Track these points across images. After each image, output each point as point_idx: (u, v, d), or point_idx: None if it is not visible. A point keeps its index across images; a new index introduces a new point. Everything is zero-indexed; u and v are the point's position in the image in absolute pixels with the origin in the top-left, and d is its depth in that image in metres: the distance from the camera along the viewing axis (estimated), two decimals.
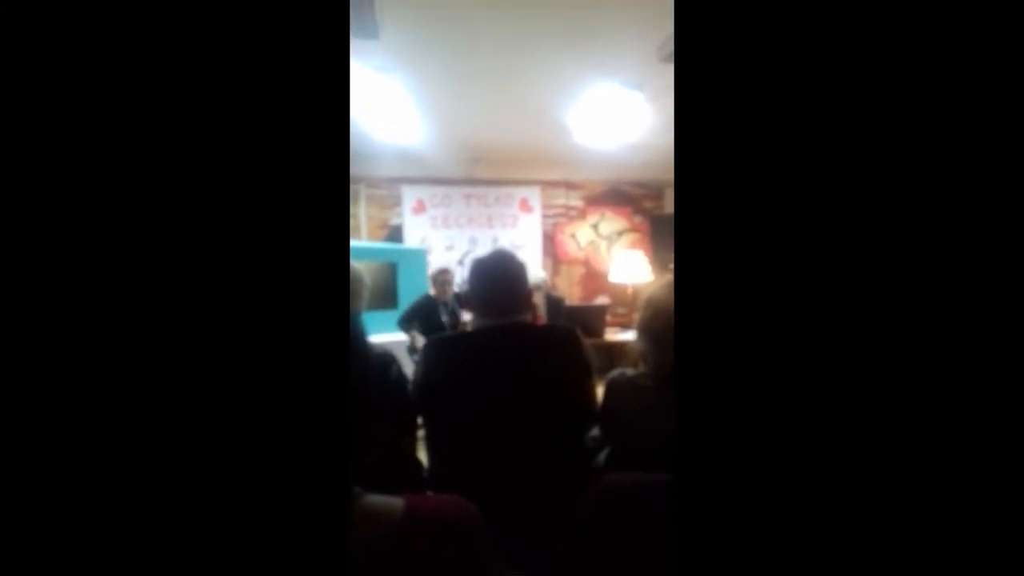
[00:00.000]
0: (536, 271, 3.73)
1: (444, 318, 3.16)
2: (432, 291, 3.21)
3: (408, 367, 1.49)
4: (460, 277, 4.21)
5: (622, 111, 2.92)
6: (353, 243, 3.39)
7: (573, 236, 4.57)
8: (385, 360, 1.04)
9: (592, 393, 1.15)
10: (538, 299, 3.48)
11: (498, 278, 1.14)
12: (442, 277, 3.20)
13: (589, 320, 3.13)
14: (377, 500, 0.45)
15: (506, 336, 1.10)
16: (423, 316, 3.12)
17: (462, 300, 3.13)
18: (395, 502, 0.45)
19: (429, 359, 1.08)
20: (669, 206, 4.63)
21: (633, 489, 0.52)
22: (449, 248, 4.35)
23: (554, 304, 3.45)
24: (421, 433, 1.13)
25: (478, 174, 4.34)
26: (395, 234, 4.27)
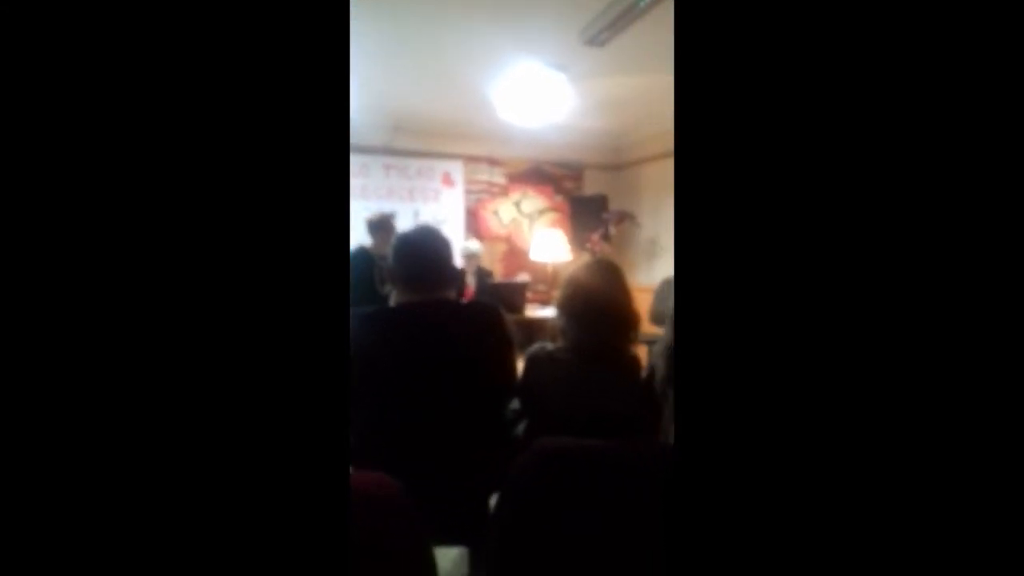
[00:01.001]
0: (472, 242, 3.75)
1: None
2: (370, 242, 2.80)
3: None
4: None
5: (545, 91, 2.94)
6: None
7: (496, 213, 4.58)
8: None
9: (513, 366, 1.19)
10: (472, 267, 3.51)
11: (423, 254, 1.13)
12: (387, 223, 2.84)
13: (511, 296, 3.19)
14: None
15: (430, 311, 1.10)
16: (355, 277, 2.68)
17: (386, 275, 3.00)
18: None
19: (354, 333, 1.06)
20: (589, 187, 4.78)
21: (564, 451, 0.55)
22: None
23: (482, 277, 3.48)
24: None
25: (399, 144, 4.19)
26: None
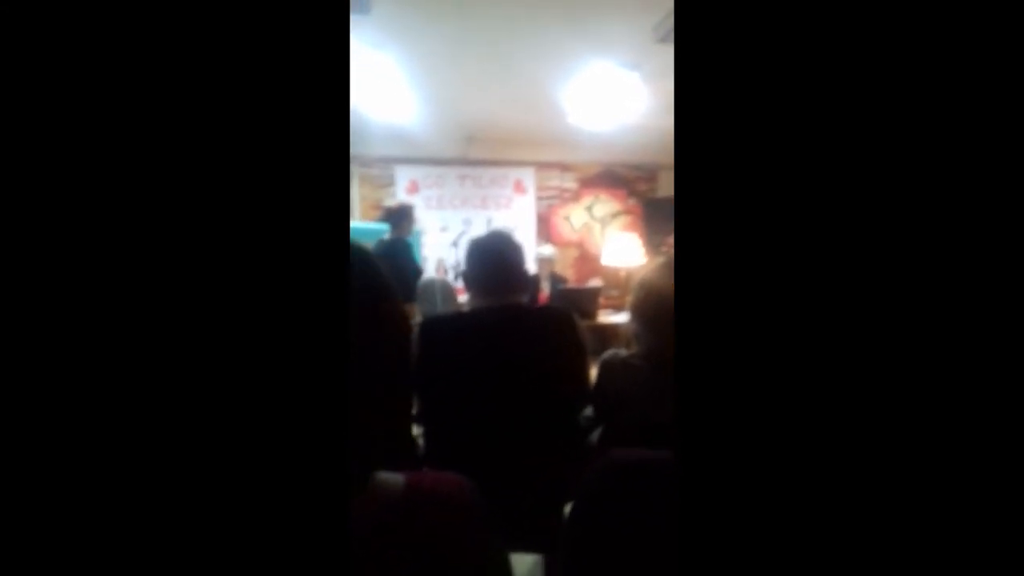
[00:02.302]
0: (546, 247, 3.78)
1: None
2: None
3: None
4: (454, 259, 4.21)
5: (617, 91, 2.89)
6: None
7: (567, 218, 4.56)
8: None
9: (586, 373, 1.17)
10: (545, 272, 3.53)
11: (495, 259, 1.14)
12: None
13: (583, 302, 3.15)
14: (377, 476, 0.45)
15: (502, 317, 1.11)
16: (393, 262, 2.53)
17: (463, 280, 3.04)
18: (395, 478, 0.45)
19: (425, 338, 1.09)
20: (663, 189, 4.63)
21: (637, 463, 0.53)
22: (443, 229, 4.33)
23: (555, 283, 3.49)
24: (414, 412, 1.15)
25: (472, 154, 4.30)
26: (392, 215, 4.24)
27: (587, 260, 4.55)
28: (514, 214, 4.44)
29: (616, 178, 4.59)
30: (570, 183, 4.54)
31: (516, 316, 1.12)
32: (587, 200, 4.57)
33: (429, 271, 4.17)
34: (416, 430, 1.13)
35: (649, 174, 4.62)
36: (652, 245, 4.21)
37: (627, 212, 4.63)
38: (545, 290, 3.41)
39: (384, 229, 3.17)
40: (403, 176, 4.27)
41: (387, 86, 2.85)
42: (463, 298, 1.28)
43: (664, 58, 2.50)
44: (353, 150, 3.98)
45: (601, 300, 3.45)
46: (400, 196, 4.26)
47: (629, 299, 1.10)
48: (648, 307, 1.03)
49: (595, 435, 1.19)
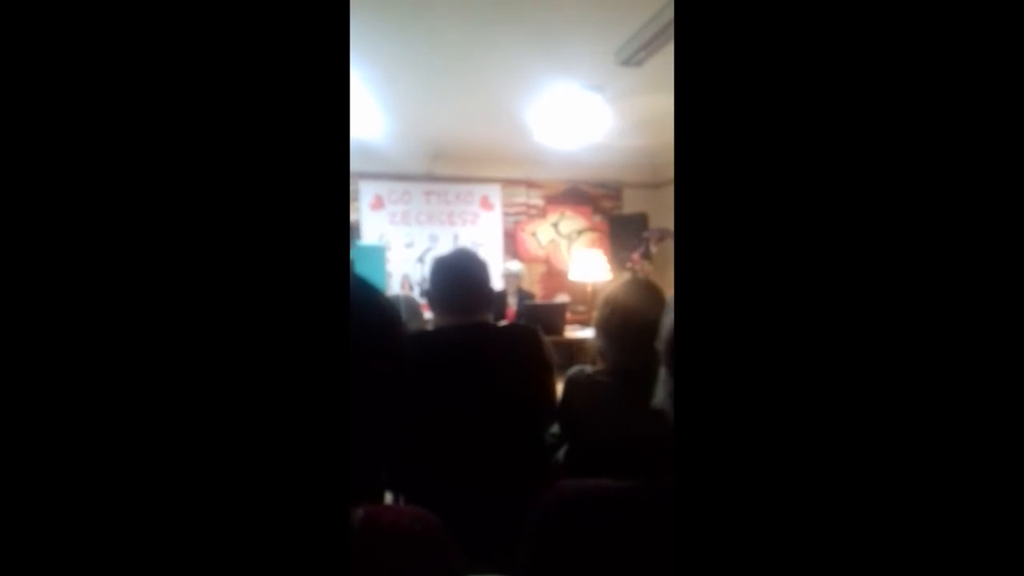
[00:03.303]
0: (513, 262, 3.79)
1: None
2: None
3: None
4: (420, 275, 4.17)
5: (581, 112, 2.96)
6: None
7: (534, 234, 4.60)
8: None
9: (552, 390, 1.17)
10: (512, 288, 3.53)
11: (460, 277, 1.14)
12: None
13: (549, 318, 3.17)
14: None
15: (467, 335, 1.10)
16: None
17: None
18: (354, 511, 0.44)
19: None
20: (628, 206, 4.74)
21: (585, 495, 0.53)
22: (409, 245, 4.29)
23: (521, 299, 3.49)
24: None
25: (438, 171, 4.30)
26: (352, 230, 4.18)
27: (554, 276, 4.59)
28: (481, 230, 4.45)
29: (581, 195, 4.67)
30: (536, 200, 4.59)
31: (481, 334, 1.12)
32: (553, 216, 4.63)
33: (394, 287, 4.11)
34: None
35: (614, 191, 4.73)
36: (618, 261, 4.28)
37: (593, 229, 4.71)
38: (512, 305, 3.42)
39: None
40: (367, 191, 4.22)
41: (352, 102, 2.83)
42: (429, 315, 1.27)
43: (626, 80, 2.58)
44: None
45: (568, 315, 3.48)
46: (364, 211, 4.21)
47: (595, 315, 1.11)
48: (614, 323, 1.04)
49: (561, 452, 1.19)
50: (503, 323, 2.10)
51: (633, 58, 2.27)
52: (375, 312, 0.47)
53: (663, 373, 0.53)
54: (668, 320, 0.52)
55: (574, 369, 1.16)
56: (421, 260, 4.20)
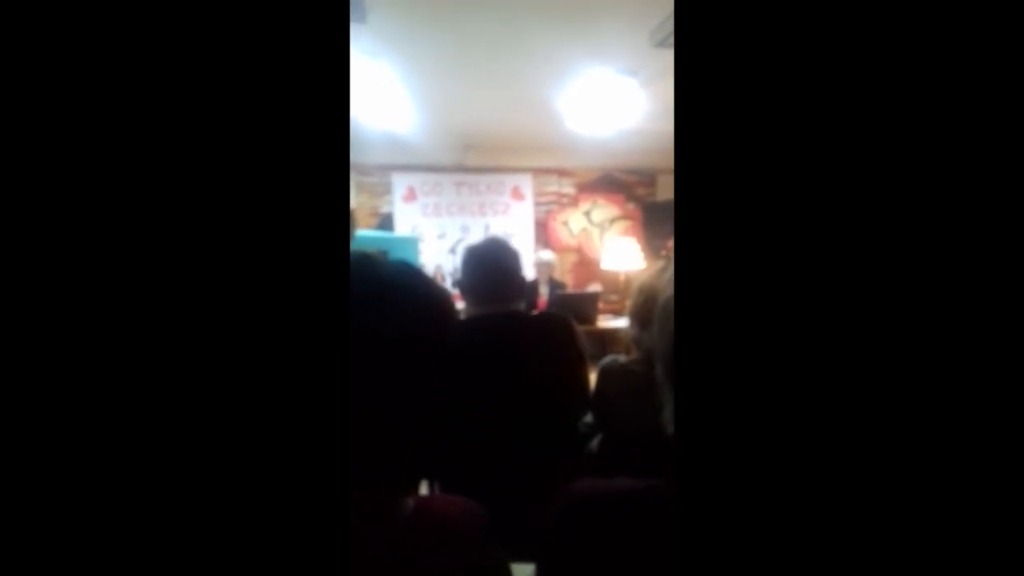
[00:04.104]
0: (545, 252, 3.78)
1: None
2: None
3: None
4: (452, 266, 4.20)
5: (615, 97, 2.89)
6: None
7: (565, 224, 4.55)
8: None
9: (585, 380, 1.16)
10: (544, 277, 3.52)
11: (491, 266, 1.13)
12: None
13: (582, 307, 3.14)
14: (385, 497, 0.44)
15: (500, 325, 1.10)
16: None
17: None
18: (404, 501, 0.45)
19: None
20: (662, 193, 4.63)
21: (599, 496, 0.52)
22: (441, 236, 4.33)
23: (553, 288, 3.48)
24: None
25: (469, 161, 4.30)
26: (386, 222, 4.23)
27: (586, 265, 4.55)
28: (512, 220, 4.44)
29: (614, 183, 4.59)
30: (568, 188, 4.54)
31: (514, 324, 1.11)
32: (585, 205, 4.57)
33: None
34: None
35: (648, 178, 4.62)
36: (651, 249, 4.20)
37: (626, 217, 4.63)
38: (544, 295, 3.40)
39: (378, 238, 3.12)
40: (400, 183, 4.27)
41: (384, 94, 2.85)
42: (460, 305, 1.27)
43: (661, 62, 2.50)
44: (350, 158, 3.98)
45: (600, 305, 3.44)
46: (397, 203, 4.26)
47: (628, 304, 1.09)
48: (647, 312, 1.02)
49: (595, 442, 1.18)
50: (535, 312, 2.10)
51: (668, 39, 2.20)
52: (424, 299, 0.46)
53: (667, 388, 0.52)
54: (668, 328, 0.51)
55: (608, 358, 1.15)
56: (453, 251, 4.23)
